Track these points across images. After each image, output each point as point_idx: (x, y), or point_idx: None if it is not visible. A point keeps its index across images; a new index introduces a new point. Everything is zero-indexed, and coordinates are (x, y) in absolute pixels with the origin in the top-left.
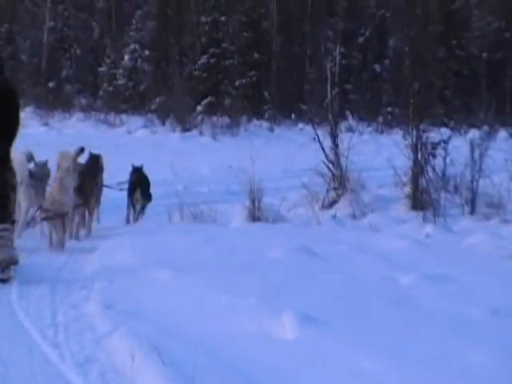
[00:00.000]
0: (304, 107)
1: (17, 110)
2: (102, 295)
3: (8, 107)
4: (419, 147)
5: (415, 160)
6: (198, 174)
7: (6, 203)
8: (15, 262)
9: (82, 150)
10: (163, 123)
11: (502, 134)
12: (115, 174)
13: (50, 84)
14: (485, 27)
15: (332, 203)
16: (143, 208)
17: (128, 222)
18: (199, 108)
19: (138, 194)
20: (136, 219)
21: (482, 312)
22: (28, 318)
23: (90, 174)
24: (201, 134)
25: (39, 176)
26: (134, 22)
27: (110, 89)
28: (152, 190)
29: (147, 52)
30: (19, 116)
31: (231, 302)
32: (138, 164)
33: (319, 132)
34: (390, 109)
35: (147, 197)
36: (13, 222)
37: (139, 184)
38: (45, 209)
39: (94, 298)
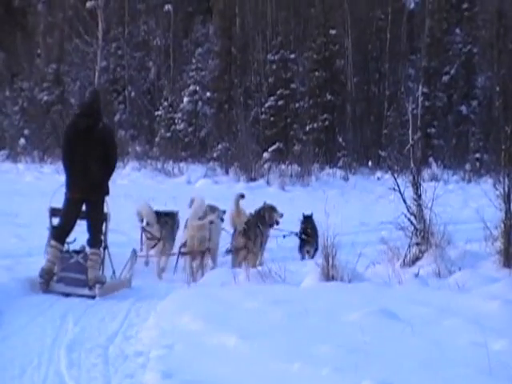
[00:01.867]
0: (382, 154)
1: (115, 151)
2: (160, 363)
3: (108, 148)
4: None
5: (507, 211)
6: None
7: (99, 231)
8: (102, 282)
9: (241, 196)
10: (226, 172)
11: None
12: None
13: None
14: None
15: (414, 260)
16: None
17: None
18: (266, 155)
19: (308, 246)
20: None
21: None
22: None
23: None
24: (268, 183)
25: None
26: (194, 61)
27: (168, 135)
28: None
29: (208, 94)
30: (116, 156)
31: (304, 372)
32: (308, 212)
33: (399, 181)
34: (478, 155)
35: (316, 245)
36: (104, 248)
37: (309, 232)
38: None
39: (151, 366)
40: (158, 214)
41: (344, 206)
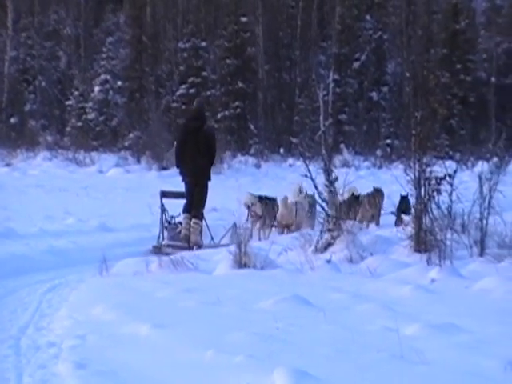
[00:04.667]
0: (294, 141)
1: (215, 147)
2: (73, 354)
3: (210, 144)
4: (422, 182)
5: (418, 197)
6: (177, 216)
7: (202, 206)
8: (200, 245)
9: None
10: (138, 161)
11: None
12: (84, 219)
13: (12, 120)
14: (493, 49)
15: (326, 246)
16: None
17: None
18: None
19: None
20: None
21: (496, 365)
22: None
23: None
24: None
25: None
26: (104, 50)
27: (79, 124)
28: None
29: (120, 83)
30: (215, 150)
31: (217, 359)
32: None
33: (311, 168)
34: (389, 141)
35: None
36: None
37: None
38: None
39: (64, 357)
40: (261, 198)
41: (256, 194)
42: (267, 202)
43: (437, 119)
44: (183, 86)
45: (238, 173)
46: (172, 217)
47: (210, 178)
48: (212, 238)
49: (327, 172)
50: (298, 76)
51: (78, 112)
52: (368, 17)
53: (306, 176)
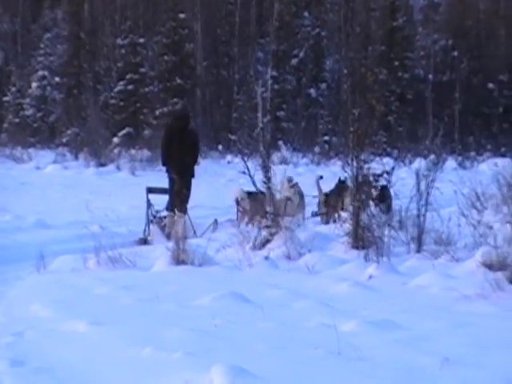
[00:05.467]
0: (232, 137)
1: (199, 145)
2: (9, 351)
3: (195, 142)
4: (360, 179)
5: (356, 193)
6: (115, 213)
7: (185, 202)
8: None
9: (320, 177)
10: (76, 158)
11: (451, 163)
12: (21, 216)
13: None
14: (430, 46)
15: (265, 243)
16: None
17: None
18: (116, 140)
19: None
20: None
21: (433, 361)
22: None
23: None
24: (118, 168)
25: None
26: (42, 46)
27: (16, 120)
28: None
29: (57, 79)
30: (199, 148)
31: (154, 356)
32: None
33: (249, 164)
34: (327, 138)
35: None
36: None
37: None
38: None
39: (0, 354)
40: (250, 194)
41: (194, 190)
42: (256, 198)
43: (375, 116)
44: (121, 83)
45: None
46: (157, 211)
47: (193, 175)
48: (194, 232)
49: (265, 169)
50: (237, 73)
51: (15, 108)
52: (306, 13)
53: (244, 173)
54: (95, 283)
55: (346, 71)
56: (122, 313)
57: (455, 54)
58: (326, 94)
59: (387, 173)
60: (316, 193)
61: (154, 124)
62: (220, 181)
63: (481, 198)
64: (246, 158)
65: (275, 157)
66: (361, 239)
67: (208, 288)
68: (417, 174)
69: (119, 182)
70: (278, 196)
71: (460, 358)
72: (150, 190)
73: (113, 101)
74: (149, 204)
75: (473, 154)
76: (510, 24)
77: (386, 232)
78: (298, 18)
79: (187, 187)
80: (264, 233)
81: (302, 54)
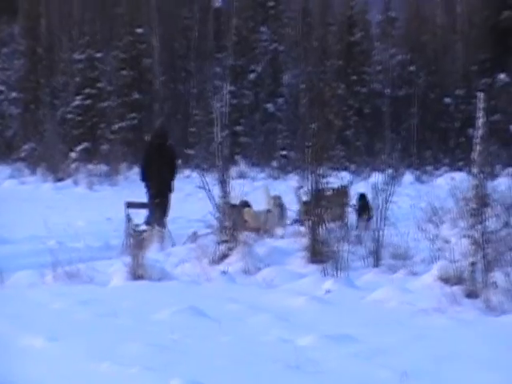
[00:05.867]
0: (190, 152)
1: (176, 161)
2: None
3: (173, 159)
4: (317, 193)
5: (313, 208)
6: (72, 228)
7: (164, 216)
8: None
9: (300, 187)
10: (33, 173)
11: (408, 177)
12: None
13: None
14: (388, 61)
15: (223, 257)
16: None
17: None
18: (73, 155)
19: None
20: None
21: (391, 374)
22: None
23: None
24: (75, 183)
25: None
26: None
27: None
28: None
29: (14, 94)
30: (177, 165)
31: (112, 371)
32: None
33: (207, 179)
34: (285, 152)
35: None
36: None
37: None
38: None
39: None
40: (233, 206)
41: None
42: (238, 209)
43: (332, 130)
44: (78, 98)
45: (133, 184)
46: (136, 225)
47: (172, 190)
48: (174, 244)
49: (223, 183)
50: (194, 87)
51: None
52: (264, 28)
53: (201, 188)
54: (52, 298)
55: (303, 86)
56: (80, 328)
57: (412, 68)
58: (283, 108)
59: (345, 187)
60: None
61: (111, 139)
62: (178, 195)
63: (438, 213)
64: (203, 173)
65: (233, 171)
66: (319, 253)
67: (166, 303)
68: (374, 189)
69: (76, 197)
70: (258, 208)
71: (418, 372)
72: (129, 205)
73: (70, 115)
74: (128, 218)
75: (430, 168)
76: (467, 39)
77: (344, 246)
78: (255, 33)
79: (166, 202)
80: (222, 247)
81: (259, 69)
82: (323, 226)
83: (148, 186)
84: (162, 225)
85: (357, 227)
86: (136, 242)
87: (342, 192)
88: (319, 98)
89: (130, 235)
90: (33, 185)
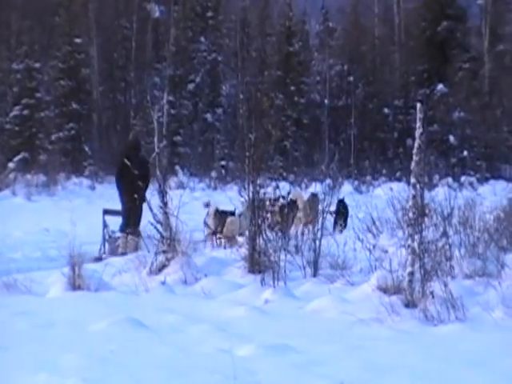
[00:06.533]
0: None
1: (149, 172)
2: None
3: (145, 169)
4: (256, 204)
5: (252, 218)
6: (10, 238)
7: (137, 224)
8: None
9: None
10: None
11: (346, 187)
12: None
13: None
14: (326, 71)
15: (161, 268)
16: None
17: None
18: (11, 165)
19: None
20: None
21: None
22: None
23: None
24: (13, 194)
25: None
26: None
27: None
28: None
29: None
30: (150, 175)
31: (49, 382)
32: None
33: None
34: (223, 162)
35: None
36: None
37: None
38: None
39: None
40: (218, 211)
41: (90, 215)
42: (223, 217)
43: (271, 141)
44: (17, 108)
45: (72, 194)
46: (113, 231)
47: (144, 200)
48: (148, 251)
49: (162, 194)
50: (133, 97)
51: None
52: (202, 39)
53: None
54: None
55: (242, 96)
56: (17, 338)
57: (351, 79)
58: (222, 118)
59: (283, 197)
60: None
61: (49, 149)
62: (116, 205)
63: (376, 223)
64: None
65: (172, 181)
66: (257, 264)
67: (104, 313)
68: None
69: (14, 207)
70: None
71: (355, 382)
72: (106, 212)
73: (8, 126)
74: (104, 225)
75: (368, 178)
76: (405, 50)
77: (282, 256)
78: (194, 43)
79: (138, 211)
80: (160, 258)
81: (198, 79)
82: (262, 236)
83: (121, 195)
84: (136, 233)
85: (334, 230)
86: (111, 247)
87: (315, 200)
88: (257, 109)
89: (106, 241)
90: None
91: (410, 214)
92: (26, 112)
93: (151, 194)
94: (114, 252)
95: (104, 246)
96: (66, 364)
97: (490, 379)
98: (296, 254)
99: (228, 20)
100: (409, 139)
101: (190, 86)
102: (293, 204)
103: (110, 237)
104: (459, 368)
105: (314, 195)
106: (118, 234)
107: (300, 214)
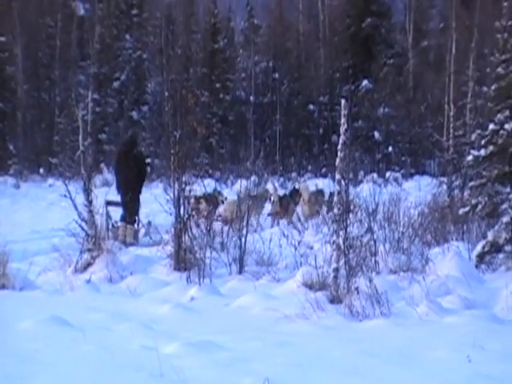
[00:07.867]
0: (54, 161)
1: (145, 167)
2: None
3: (140, 165)
4: (182, 201)
5: (177, 215)
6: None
7: (134, 214)
8: (133, 244)
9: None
10: None
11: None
12: None
13: None
14: (251, 68)
15: (86, 266)
16: None
17: None
18: None
19: None
20: None
21: (254, 381)
22: None
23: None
24: None
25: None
26: None
27: None
28: None
29: None
30: (145, 170)
31: None
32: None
33: (71, 188)
34: (149, 160)
35: None
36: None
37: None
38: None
39: None
40: (209, 195)
41: (15, 214)
42: (209, 199)
43: (196, 138)
44: None
45: None
46: (116, 221)
47: (140, 192)
48: (150, 238)
49: (87, 192)
50: (58, 95)
51: None
52: (127, 36)
53: (65, 196)
54: None
55: (167, 93)
56: None
57: (276, 75)
58: (147, 116)
59: (209, 194)
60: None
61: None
62: (41, 204)
63: (300, 219)
64: (67, 181)
65: (97, 179)
66: (183, 261)
67: (28, 312)
68: (238, 196)
69: None
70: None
71: (280, 378)
72: (108, 203)
73: None
74: (107, 215)
75: (294, 174)
76: (330, 46)
77: (208, 254)
78: (119, 41)
79: (134, 202)
80: (85, 256)
81: (123, 77)
82: (188, 233)
83: (118, 189)
84: (132, 222)
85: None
86: (113, 235)
87: (319, 194)
88: (182, 106)
89: (109, 230)
90: None
91: (335, 210)
92: None
93: (76, 192)
94: (116, 239)
95: (108, 234)
96: None
97: (414, 373)
98: (222, 251)
99: (153, 17)
100: (334, 135)
101: (115, 84)
102: (295, 193)
103: (113, 226)
104: (384, 362)
105: (319, 191)
106: (119, 224)
107: (305, 207)
